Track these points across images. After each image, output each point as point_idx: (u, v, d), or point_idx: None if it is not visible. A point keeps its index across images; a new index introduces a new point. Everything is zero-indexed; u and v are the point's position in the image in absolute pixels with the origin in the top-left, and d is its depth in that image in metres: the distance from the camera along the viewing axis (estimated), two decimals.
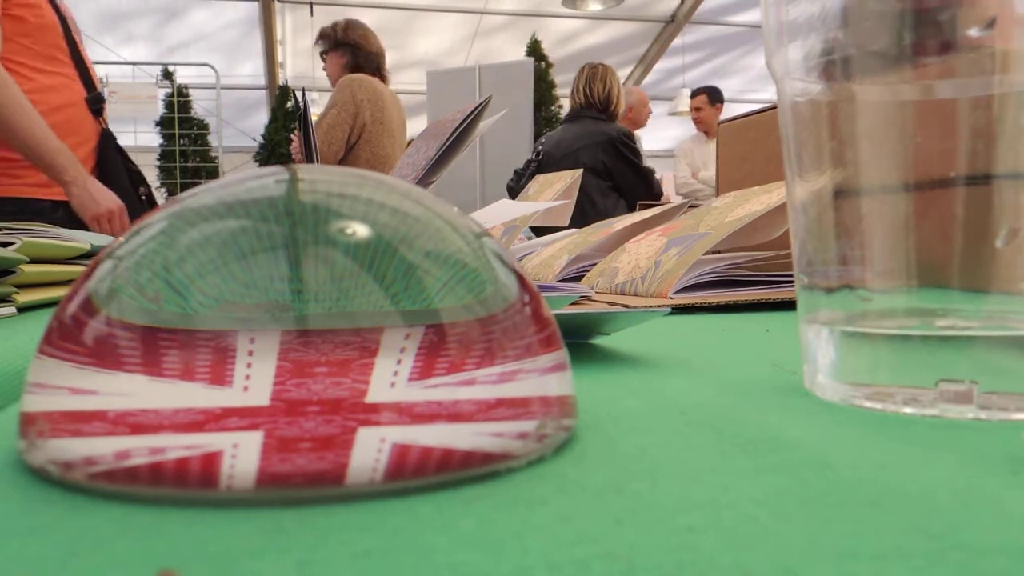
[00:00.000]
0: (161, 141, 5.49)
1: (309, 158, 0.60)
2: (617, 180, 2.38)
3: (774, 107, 0.69)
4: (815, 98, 0.23)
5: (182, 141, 5.48)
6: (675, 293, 0.59)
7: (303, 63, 5.40)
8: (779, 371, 0.29)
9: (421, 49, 5.45)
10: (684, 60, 5.69)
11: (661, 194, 2.49)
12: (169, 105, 5.42)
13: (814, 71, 0.23)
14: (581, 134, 2.37)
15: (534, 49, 5.28)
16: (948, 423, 0.20)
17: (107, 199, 1.35)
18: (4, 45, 1.31)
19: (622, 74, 2.55)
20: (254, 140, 5.70)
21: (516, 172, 2.59)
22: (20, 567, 0.12)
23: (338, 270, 0.16)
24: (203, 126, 5.58)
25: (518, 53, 5.32)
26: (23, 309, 0.48)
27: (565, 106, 5.35)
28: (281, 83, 5.64)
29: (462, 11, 5.22)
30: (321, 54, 2.29)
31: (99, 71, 1.49)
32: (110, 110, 1.58)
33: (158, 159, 5.42)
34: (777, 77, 0.24)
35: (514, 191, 2.44)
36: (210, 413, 0.15)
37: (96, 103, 1.47)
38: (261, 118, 5.85)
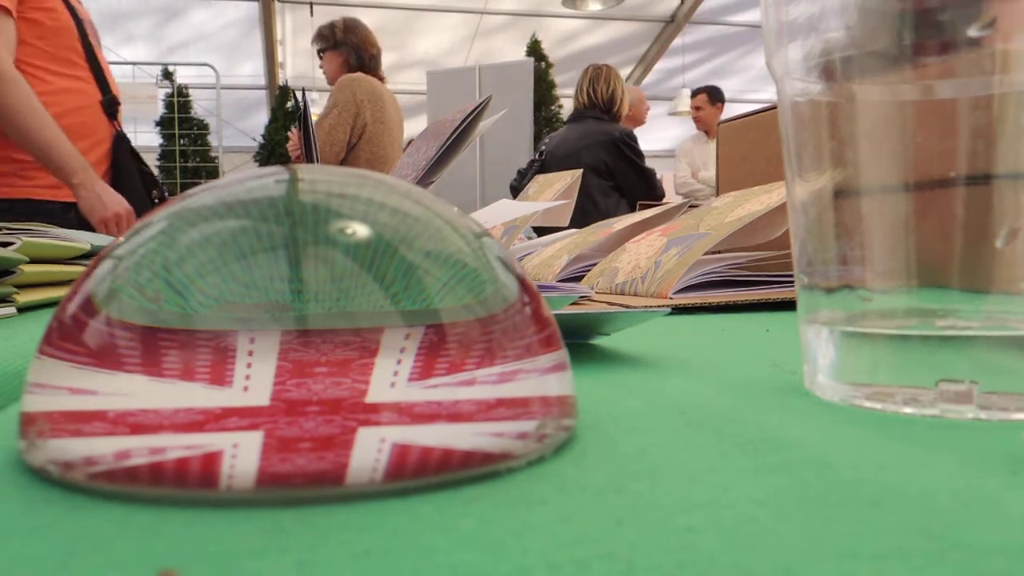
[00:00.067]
0: (161, 141, 5.49)
1: (309, 158, 0.60)
2: (619, 180, 2.38)
3: (774, 107, 0.69)
4: (815, 98, 0.23)
5: (182, 141, 5.48)
6: (675, 293, 0.59)
7: (303, 63, 5.40)
8: (779, 371, 0.29)
9: (421, 49, 5.45)
10: (684, 60, 5.69)
11: (663, 195, 2.49)
12: (169, 105, 5.43)
13: (814, 71, 0.23)
14: (584, 134, 2.38)
15: (534, 49, 5.28)
16: (948, 423, 0.20)
17: (115, 202, 1.37)
18: (20, 48, 1.33)
19: (622, 74, 2.56)
20: (254, 140, 5.70)
21: (519, 172, 2.60)
22: (20, 567, 0.12)
23: (338, 270, 0.16)
24: (203, 126, 5.58)
25: (518, 53, 5.32)
26: (23, 309, 0.48)
27: (565, 106, 5.38)
28: (281, 83, 5.64)
29: (462, 11, 5.22)
30: (318, 52, 2.28)
31: None
32: None
33: (158, 159, 5.42)
34: (777, 77, 0.24)
35: (517, 191, 2.45)
36: (210, 413, 0.15)
37: (111, 106, 1.49)
38: (261, 118, 5.85)
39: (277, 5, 5.00)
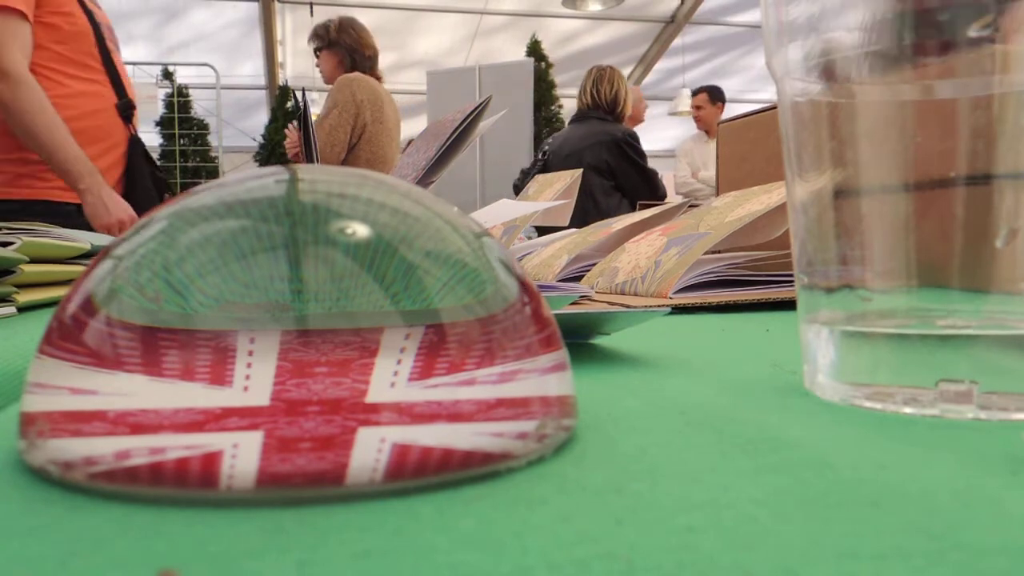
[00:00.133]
0: (161, 141, 5.49)
1: (309, 158, 0.60)
2: (621, 180, 2.39)
3: (774, 107, 0.69)
4: (815, 98, 0.23)
5: (182, 141, 5.48)
6: (675, 293, 0.59)
7: (303, 63, 5.39)
8: (779, 371, 0.29)
9: (421, 49, 5.45)
10: (684, 60, 5.69)
11: (665, 195, 2.50)
12: (169, 105, 5.43)
13: (814, 71, 0.23)
14: (587, 134, 2.39)
15: (534, 49, 5.28)
16: (948, 423, 0.20)
17: (119, 209, 1.38)
18: (38, 51, 1.35)
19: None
20: (254, 140, 5.70)
21: (523, 171, 2.61)
22: (20, 567, 0.12)
23: (338, 270, 0.16)
24: (203, 126, 5.58)
25: (518, 53, 5.32)
26: (23, 309, 0.48)
27: (565, 106, 5.37)
28: (281, 83, 5.64)
29: (462, 11, 5.22)
30: (315, 51, 2.28)
31: None
32: None
33: (158, 159, 5.41)
34: (777, 77, 0.24)
35: (520, 190, 2.46)
36: (210, 413, 0.15)
37: (126, 109, 1.50)
38: (261, 118, 5.85)
39: (277, 5, 5.00)
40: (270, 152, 5.49)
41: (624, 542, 0.12)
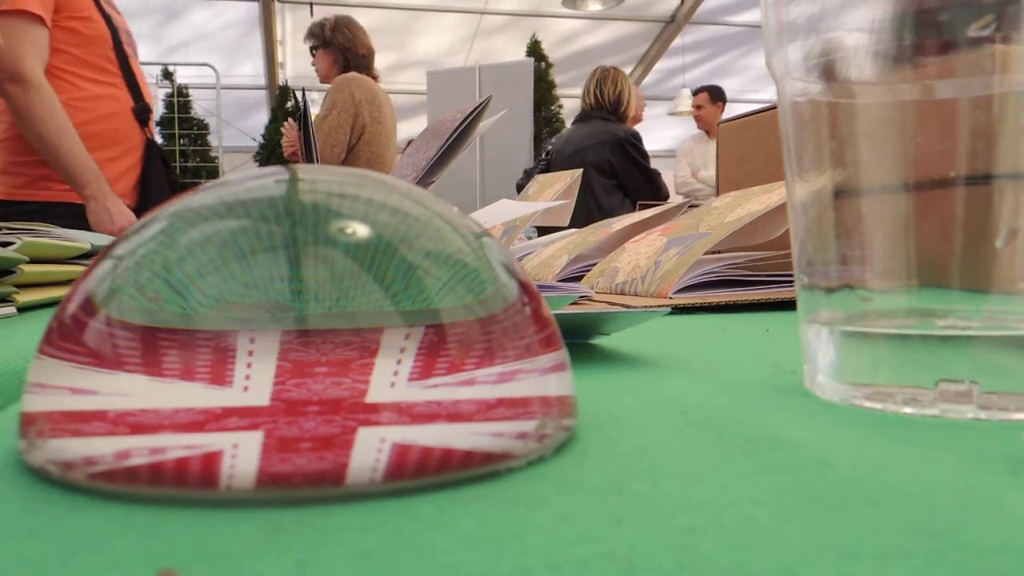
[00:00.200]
0: (161, 141, 5.49)
1: (309, 158, 0.60)
2: (623, 180, 2.40)
3: (774, 107, 0.69)
4: (815, 98, 0.23)
5: (182, 141, 5.48)
6: (675, 293, 0.59)
7: (303, 63, 5.37)
8: (779, 371, 0.29)
9: (421, 49, 5.45)
10: (684, 60, 5.69)
11: (668, 195, 2.51)
12: (169, 105, 5.43)
13: (814, 71, 0.23)
14: (590, 134, 2.40)
15: (534, 49, 5.28)
16: (948, 423, 0.20)
17: (123, 217, 1.40)
18: (57, 55, 1.37)
19: None
20: (254, 140, 5.70)
21: (526, 171, 2.62)
22: (20, 567, 0.12)
23: (338, 270, 0.16)
24: (203, 126, 5.58)
25: (518, 53, 5.32)
26: (23, 309, 0.48)
27: (565, 106, 5.37)
28: (281, 83, 5.64)
29: (462, 11, 5.22)
30: (311, 50, 2.27)
31: None
32: None
33: None
34: (777, 77, 0.24)
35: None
36: (210, 413, 0.15)
37: (143, 113, 1.53)
38: (261, 118, 5.85)
39: (277, 5, 5.00)
40: (270, 152, 5.49)
41: (624, 542, 0.12)
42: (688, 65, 5.72)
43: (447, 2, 5.13)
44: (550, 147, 2.53)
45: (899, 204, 0.21)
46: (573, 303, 0.56)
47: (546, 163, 2.43)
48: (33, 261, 0.49)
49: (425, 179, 0.59)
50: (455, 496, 0.15)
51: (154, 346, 0.15)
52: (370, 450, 0.15)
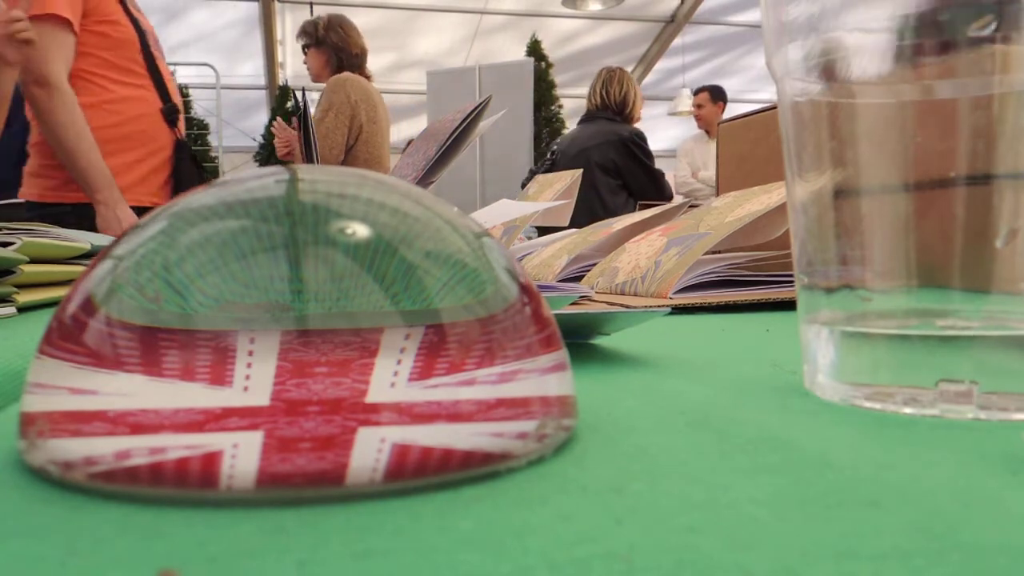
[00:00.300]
0: None
1: (309, 159, 0.60)
2: (627, 180, 2.41)
3: (774, 107, 0.69)
4: (815, 98, 0.23)
5: None
6: (675, 293, 0.59)
7: (303, 63, 5.39)
8: (779, 371, 0.29)
9: (421, 49, 5.45)
10: (684, 60, 5.69)
11: (671, 195, 2.51)
12: None
13: (814, 71, 0.23)
14: (595, 134, 2.42)
15: (534, 49, 5.28)
16: (948, 423, 0.20)
17: (131, 223, 1.39)
18: (87, 58, 1.41)
19: None
20: (254, 140, 5.70)
21: (531, 171, 2.63)
22: (20, 567, 0.12)
23: (338, 270, 0.16)
24: (203, 126, 5.58)
25: (518, 53, 5.32)
26: (23, 309, 0.48)
27: (565, 106, 5.37)
28: (281, 83, 5.64)
29: (462, 11, 5.22)
30: (303, 48, 2.26)
31: None
32: None
33: None
34: (777, 77, 0.24)
35: None
36: (210, 413, 0.15)
37: (171, 114, 1.55)
38: (261, 118, 5.85)
39: (277, 5, 5.00)
40: (270, 152, 5.49)
41: (624, 542, 0.12)
42: (688, 65, 5.72)
43: (447, 2, 5.13)
44: (555, 147, 2.54)
45: (899, 204, 0.21)
46: (573, 303, 0.56)
47: (551, 163, 2.43)
48: (33, 261, 0.49)
49: (425, 179, 0.59)
50: (455, 496, 0.15)
51: (154, 346, 0.15)
52: (370, 450, 0.15)
